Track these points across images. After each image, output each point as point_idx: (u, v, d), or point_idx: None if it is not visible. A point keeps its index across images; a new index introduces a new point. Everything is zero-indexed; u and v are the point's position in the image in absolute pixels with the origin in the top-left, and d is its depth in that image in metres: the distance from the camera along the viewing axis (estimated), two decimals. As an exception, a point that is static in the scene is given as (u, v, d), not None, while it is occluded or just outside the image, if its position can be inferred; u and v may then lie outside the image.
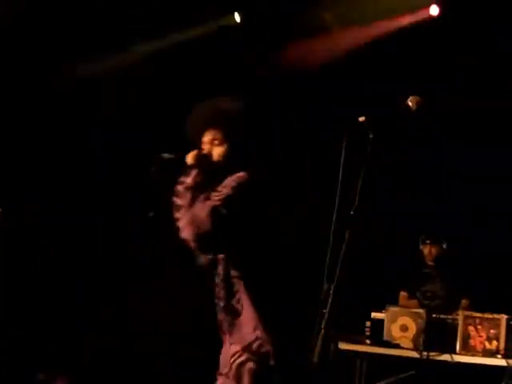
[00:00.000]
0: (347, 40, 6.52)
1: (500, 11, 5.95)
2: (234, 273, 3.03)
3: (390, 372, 5.27)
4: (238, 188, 3.04)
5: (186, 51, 6.46)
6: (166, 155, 3.18)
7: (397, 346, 5.21)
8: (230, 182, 3.07)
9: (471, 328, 5.07)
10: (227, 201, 3.00)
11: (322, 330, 2.38)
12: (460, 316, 5.12)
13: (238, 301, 3.00)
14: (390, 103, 2.73)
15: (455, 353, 5.05)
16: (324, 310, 2.42)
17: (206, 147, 3.16)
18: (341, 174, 2.57)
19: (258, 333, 2.93)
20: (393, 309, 5.38)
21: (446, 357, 5.02)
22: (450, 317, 5.24)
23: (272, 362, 2.90)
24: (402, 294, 6.17)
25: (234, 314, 3.00)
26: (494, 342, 4.99)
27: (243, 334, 2.97)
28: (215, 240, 3.02)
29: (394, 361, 5.18)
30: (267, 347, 2.91)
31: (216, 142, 3.15)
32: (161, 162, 3.17)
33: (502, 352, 4.94)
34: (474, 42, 6.14)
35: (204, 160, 3.13)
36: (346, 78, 6.49)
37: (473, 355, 5.02)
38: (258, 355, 2.92)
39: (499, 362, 4.90)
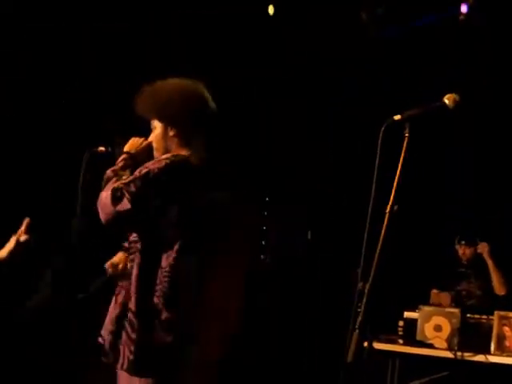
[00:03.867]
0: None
1: None
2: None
3: (423, 372, 5.24)
4: (147, 175, 2.77)
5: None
6: (100, 148, 3.08)
7: (430, 346, 5.16)
8: (144, 167, 2.83)
9: (506, 328, 5.01)
10: (130, 185, 2.73)
11: (357, 330, 2.37)
12: (495, 316, 5.07)
13: None
14: (426, 101, 2.70)
15: (490, 353, 5.00)
16: (358, 309, 2.41)
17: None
18: (376, 173, 2.56)
19: None
20: (426, 308, 5.33)
21: (480, 357, 4.96)
22: (484, 317, 5.20)
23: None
24: (434, 291, 6.13)
25: None
26: (530, 343, 4.93)
27: None
28: (124, 225, 2.80)
29: (427, 361, 5.14)
30: None
31: (152, 127, 3.01)
32: (94, 155, 3.05)
33: (537, 353, 4.89)
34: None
35: (142, 148, 2.98)
36: (382, 75, 6.46)
37: (508, 356, 4.96)
38: None
39: (535, 363, 4.85)
